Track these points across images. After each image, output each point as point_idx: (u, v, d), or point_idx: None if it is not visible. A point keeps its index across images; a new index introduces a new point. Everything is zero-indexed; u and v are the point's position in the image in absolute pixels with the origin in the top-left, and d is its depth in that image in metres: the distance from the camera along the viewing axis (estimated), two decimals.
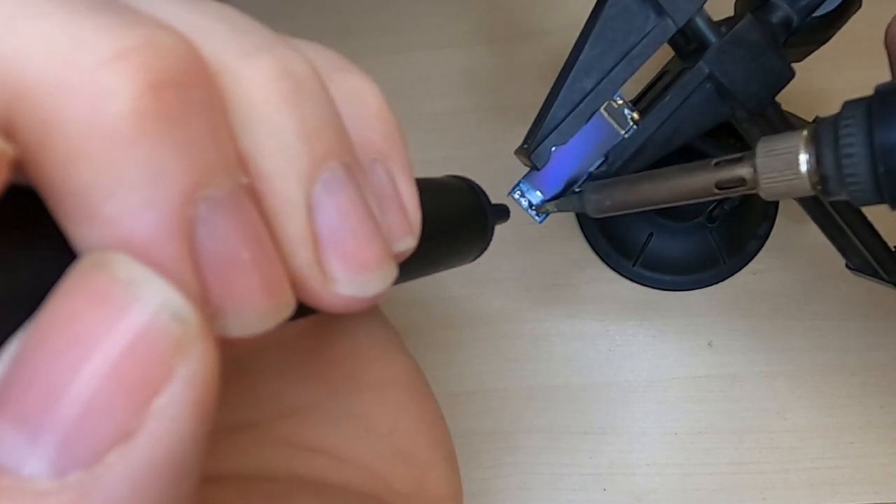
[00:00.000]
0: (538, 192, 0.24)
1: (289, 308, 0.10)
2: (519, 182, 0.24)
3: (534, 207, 0.24)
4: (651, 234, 0.36)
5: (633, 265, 0.36)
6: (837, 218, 0.27)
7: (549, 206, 0.24)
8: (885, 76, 0.20)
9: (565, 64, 0.23)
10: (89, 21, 0.08)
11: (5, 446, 0.07)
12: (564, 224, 0.37)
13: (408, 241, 0.13)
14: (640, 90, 0.28)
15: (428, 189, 0.13)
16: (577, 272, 0.37)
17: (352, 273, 0.11)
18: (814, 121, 0.30)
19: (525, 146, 0.23)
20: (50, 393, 0.07)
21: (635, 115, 0.23)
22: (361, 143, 0.12)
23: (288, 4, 0.41)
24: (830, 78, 0.35)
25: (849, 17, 0.26)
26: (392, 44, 0.40)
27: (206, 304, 0.09)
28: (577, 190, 0.24)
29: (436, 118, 0.39)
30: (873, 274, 0.28)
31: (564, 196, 0.24)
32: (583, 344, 0.36)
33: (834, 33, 0.26)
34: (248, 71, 0.10)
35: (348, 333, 0.16)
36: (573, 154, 0.23)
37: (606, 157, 0.24)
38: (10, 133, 0.08)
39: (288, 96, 0.10)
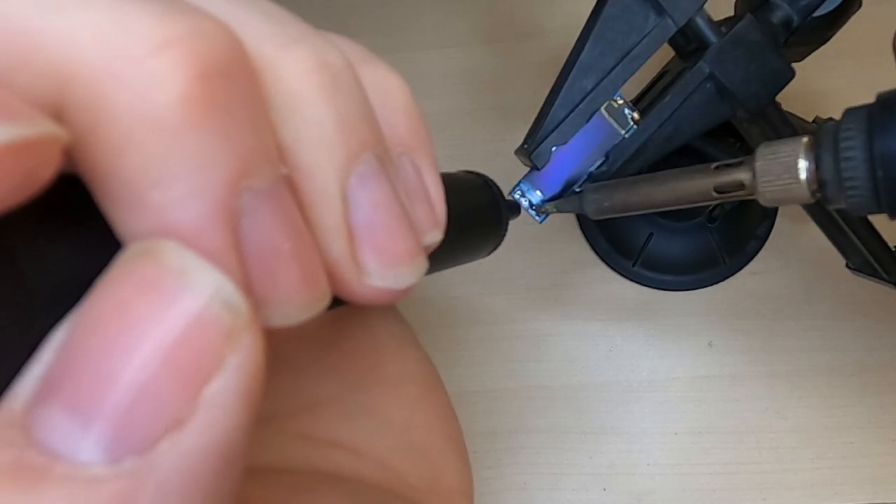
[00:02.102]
0: (538, 192, 0.24)
1: (325, 299, 0.10)
2: (519, 182, 0.24)
3: (534, 207, 0.24)
4: (651, 234, 0.36)
5: (633, 265, 0.36)
6: (838, 218, 0.27)
7: (549, 207, 0.24)
8: (885, 76, 0.20)
9: (565, 64, 0.23)
10: (137, 9, 0.08)
11: (59, 433, 0.07)
12: (564, 224, 0.37)
13: (435, 235, 0.13)
14: (640, 90, 0.28)
15: (447, 184, 0.13)
16: (577, 272, 0.37)
17: (385, 265, 0.11)
18: (813, 120, 0.30)
19: (525, 146, 0.23)
20: (103, 379, 0.07)
21: (635, 115, 0.23)
22: (389, 136, 0.12)
23: (287, 3, 0.41)
24: (830, 78, 0.35)
25: (849, 17, 0.26)
26: (392, 44, 0.40)
27: (249, 294, 0.09)
28: (576, 190, 0.24)
29: (436, 118, 0.39)
30: (873, 274, 0.28)
31: (564, 197, 0.24)
32: (583, 344, 0.36)
33: (834, 33, 0.26)
34: (287, 62, 0.10)
35: (366, 328, 0.16)
36: (573, 154, 0.23)
37: (607, 157, 0.24)
38: (59, 119, 0.08)
39: (325, 88, 0.10)
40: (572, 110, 0.23)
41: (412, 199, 0.12)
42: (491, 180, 0.20)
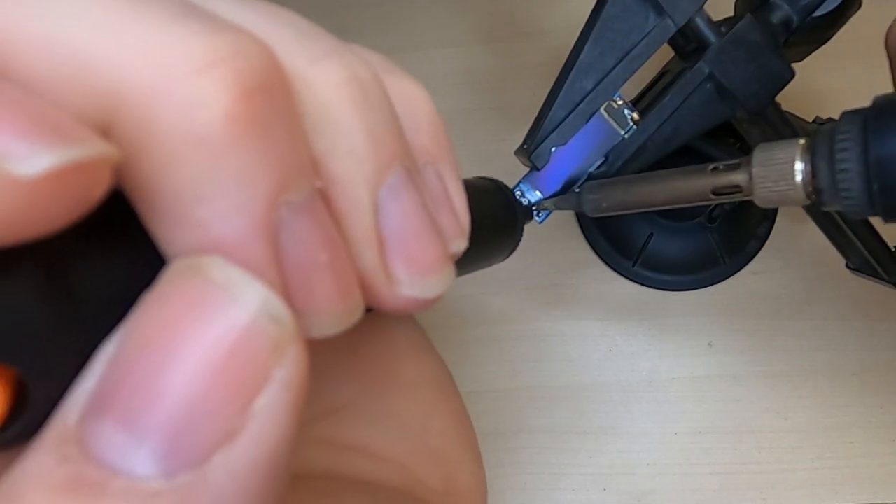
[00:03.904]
0: (538, 193, 0.24)
1: (360, 310, 0.10)
2: (519, 182, 0.24)
3: (533, 207, 0.24)
4: (651, 234, 0.36)
5: (633, 265, 0.36)
6: (837, 218, 0.27)
7: (548, 204, 0.24)
8: (885, 76, 0.20)
9: (565, 64, 0.23)
10: (180, 28, 0.08)
11: (115, 448, 0.07)
12: (564, 224, 0.37)
13: (460, 243, 0.13)
14: (640, 90, 0.28)
15: (466, 191, 0.14)
16: (577, 272, 0.37)
17: (415, 275, 0.11)
18: (814, 120, 0.30)
19: (525, 146, 0.23)
20: (156, 394, 0.07)
21: (635, 116, 0.23)
22: (414, 146, 0.12)
23: (287, 3, 0.41)
24: (830, 78, 0.35)
25: (849, 17, 0.26)
26: (392, 43, 0.40)
27: (289, 306, 0.09)
28: (576, 190, 0.24)
29: None
30: (873, 274, 0.28)
31: (563, 195, 0.24)
32: (583, 344, 0.36)
33: (834, 33, 0.26)
34: (319, 76, 0.10)
35: (384, 333, 0.16)
36: (573, 154, 0.23)
37: (606, 157, 0.24)
38: (107, 137, 0.08)
39: (356, 101, 0.10)
40: (572, 110, 0.23)
41: (438, 209, 0.12)
42: (505, 185, 0.21)
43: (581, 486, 0.34)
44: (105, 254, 0.08)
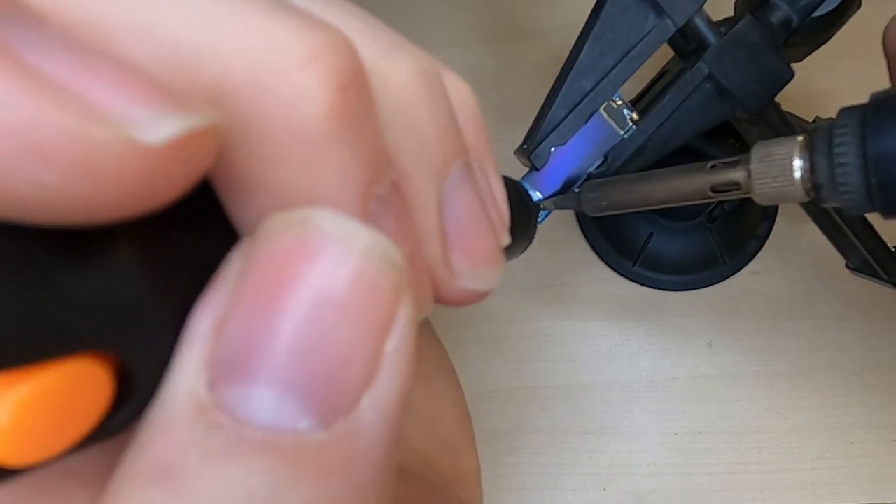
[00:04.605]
0: (538, 193, 0.24)
1: (431, 302, 0.10)
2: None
3: None
4: (651, 234, 0.36)
5: (633, 265, 0.36)
6: (837, 218, 0.27)
7: (548, 204, 0.24)
8: (884, 76, 0.20)
9: (565, 64, 0.23)
10: (282, 23, 0.08)
11: (266, 409, 0.07)
12: (564, 224, 0.37)
13: (506, 237, 0.13)
14: (639, 90, 0.28)
15: None
16: (577, 272, 0.37)
17: (474, 267, 0.11)
18: (813, 120, 0.30)
19: (525, 146, 0.23)
20: (289, 346, 0.07)
21: (635, 116, 0.23)
22: (465, 142, 0.12)
23: None
24: (830, 78, 0.35)
25: (849, 17, 0.26)
26: None
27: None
28: (576, 190, 0.24)
29: None
30: (873, 274, 0.28)
31: (562, 194, 0.24)
32: (583, 344, 0.36)
33: (834, 33, 0.26)
34: (391, 70, 0.10)
35: None
36: (573, 154, 0.23)
37: (606, 157, 0.24)
38: None
39: (423, 95, 0.10)
40: (572, 110, 0.23)
41: (487, 203, 0.13)
42: (519, 183, 0.21)
43: (581, 486, 0.34)
44: (189, 236, 0.08)
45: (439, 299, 0.11)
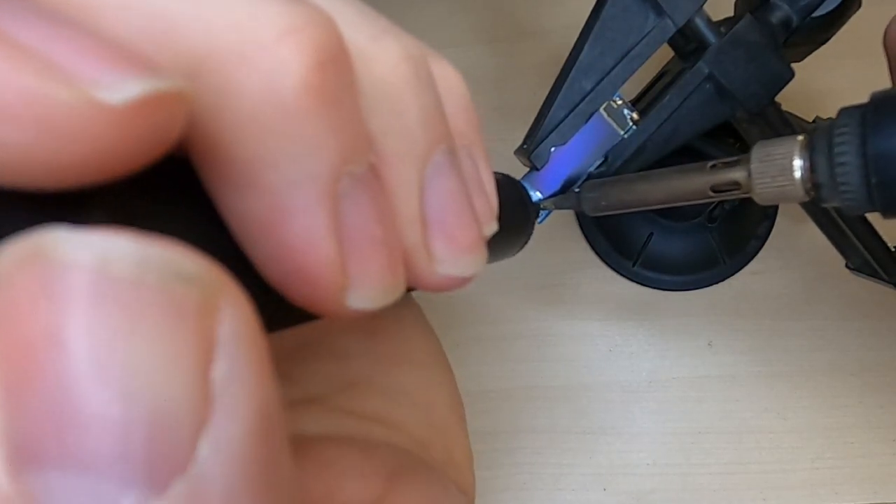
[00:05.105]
0: (538, 193, 0.24)
1: (403, 286, 0.10)
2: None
3: None
4: (651, 234, 0.36)
5: (633, 265, 0.36)
6: (837, 218, 0.27)
7: (548, 204, 0.24)
8: (885, 76, 0.20)
9: (565, 64, 0.23)
10: None
11: (84, 495, 0.06)
12: (564, 224, 0.37)
13: (491, 226, 0.13)
14: (639, 90, 0.28)
15: None
16: (577, 272, 0.37)
17: (454, 253, 0.11)
18: (814, 120, 0.30)
19: (525, 146, 0.23)
20: (101, 415, 0.06)
21: (635, 116, 0.23)
22: (452, 129, 0.12)
23: None
24: (830, 78, 0.35)
25: (849, 17, 0.26)
26: None
27: (344, 276, 0.09)
28: (576, 190, 0.24)
29: None
30: (873, 274, 0.28)
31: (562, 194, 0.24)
32: (583, 344, 0.36)
33: (834, 33, 0.26)
34: (378, 53, 0.10)
35: (395, 312, 0.17)
36: (573, 154, 0.23)
37: (606, 157, 0.24)
38: None
39: (410, 80, 0.10)
40: (572, 110, 0.23)
41: (472, 191, 0.13)
42: (518, 181, 0.21)
43: (581, 486, 0.34)
44: (165, 211, 0.08)
45: (419, 284, 0.11)
